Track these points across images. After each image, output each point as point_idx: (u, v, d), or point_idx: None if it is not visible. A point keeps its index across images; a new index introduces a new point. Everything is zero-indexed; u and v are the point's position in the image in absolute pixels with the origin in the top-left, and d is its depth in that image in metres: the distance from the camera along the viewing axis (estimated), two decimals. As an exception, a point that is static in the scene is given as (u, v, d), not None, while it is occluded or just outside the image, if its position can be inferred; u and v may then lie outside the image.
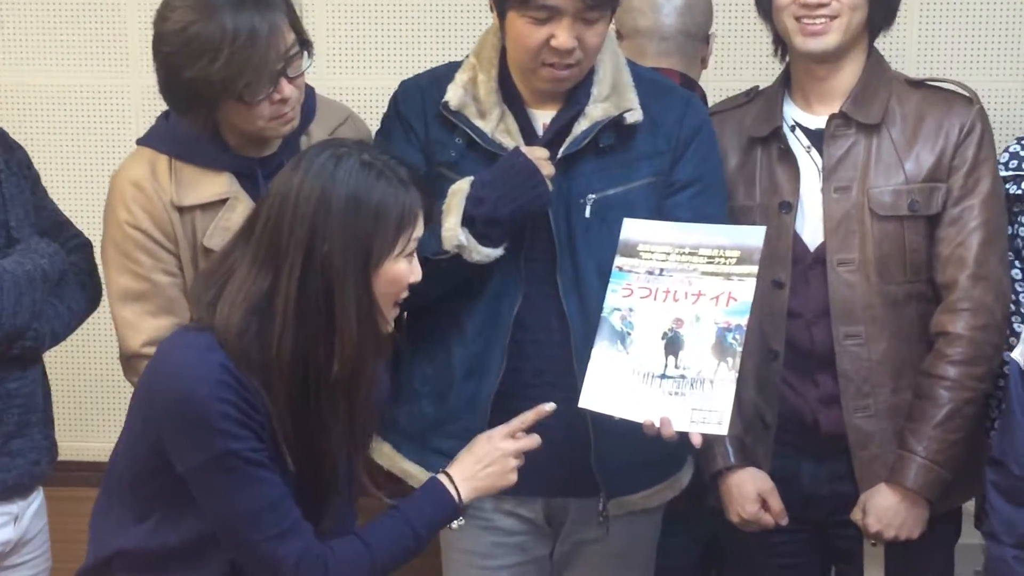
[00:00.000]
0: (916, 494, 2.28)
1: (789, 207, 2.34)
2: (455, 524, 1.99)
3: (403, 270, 1.87)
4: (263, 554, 1.81)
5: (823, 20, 2.23)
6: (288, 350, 1.79)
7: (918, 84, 2.37)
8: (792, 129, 2.36)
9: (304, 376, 1.81)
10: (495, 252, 2.18)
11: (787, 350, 2.35)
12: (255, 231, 1.84)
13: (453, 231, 2.13)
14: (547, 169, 2.16)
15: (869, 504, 2.30)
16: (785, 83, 2.42)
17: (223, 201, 2.20)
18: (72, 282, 2.35)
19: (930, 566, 2.41)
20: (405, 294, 1.89)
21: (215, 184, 2.21)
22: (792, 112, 2.39)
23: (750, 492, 2.37)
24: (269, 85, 2.08)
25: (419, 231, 1.87)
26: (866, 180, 2.31)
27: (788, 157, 2.36)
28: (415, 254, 1.89)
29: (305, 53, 2.17)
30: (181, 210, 2.22)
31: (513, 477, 2.00)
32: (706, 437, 2.11)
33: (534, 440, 2.00)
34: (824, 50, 2.27)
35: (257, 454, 1.78)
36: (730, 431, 2.16)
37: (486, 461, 1.99)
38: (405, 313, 2.19)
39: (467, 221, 2.13)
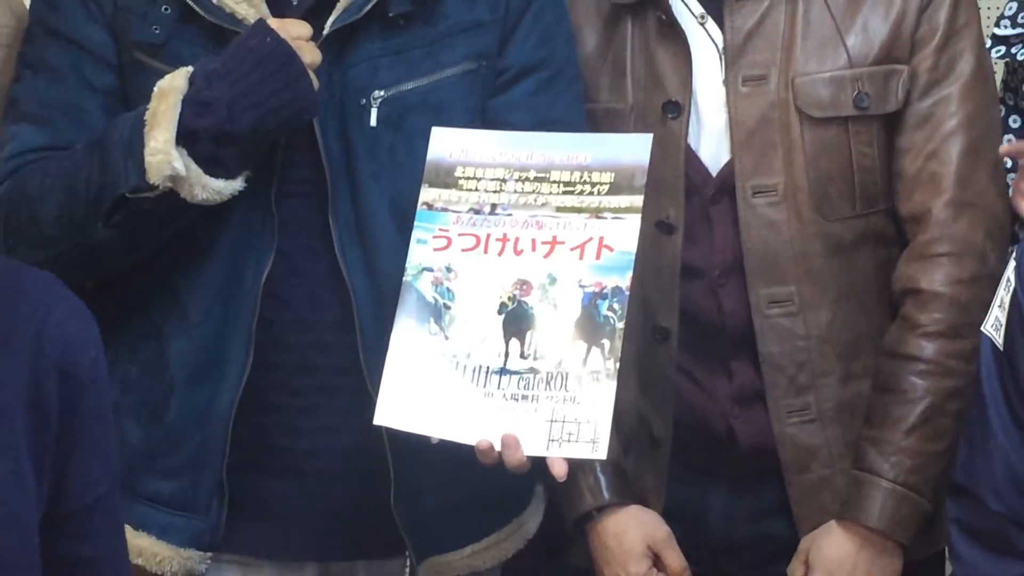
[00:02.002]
0: (883, 536, 1.94)
1: (678, 109, 2.00)
2: None
3: None
4: None
5: None
6: None
7: None
8: None
9: None
10: (231, 186, 1.83)
11: (683, 326, 2.02)
12: None
13: (163, 154, 1.76)
14: (310, 55, 1.81)
15: (815, 554, 1.97)
16: None
17: None
18: None
19: None
20: None
21: None
22: None
23: (635, 543, 2.03)
24: None
25: None
26: (790, 65, 1.98)
27: (673, 34, 2.01)
28: None
29: None
30: None
31: None
32: (573, 463, 1.78)
33: None
34: None
35: None
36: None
37: None
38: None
39: (186, 138, 1.78)
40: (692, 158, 2.00)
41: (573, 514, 2.05)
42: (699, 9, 2.01)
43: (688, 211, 2.00)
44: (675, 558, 2.01)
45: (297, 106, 1.82)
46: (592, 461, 1.87)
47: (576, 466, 1.86)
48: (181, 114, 1.77)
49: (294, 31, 1.81)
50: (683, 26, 1.99)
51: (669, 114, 2.00)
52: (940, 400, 1.95)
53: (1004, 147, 2.05)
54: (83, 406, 1.57)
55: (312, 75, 1.82)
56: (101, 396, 1.61)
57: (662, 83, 2.02)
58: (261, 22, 1.81)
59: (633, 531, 2.03)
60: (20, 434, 1.54)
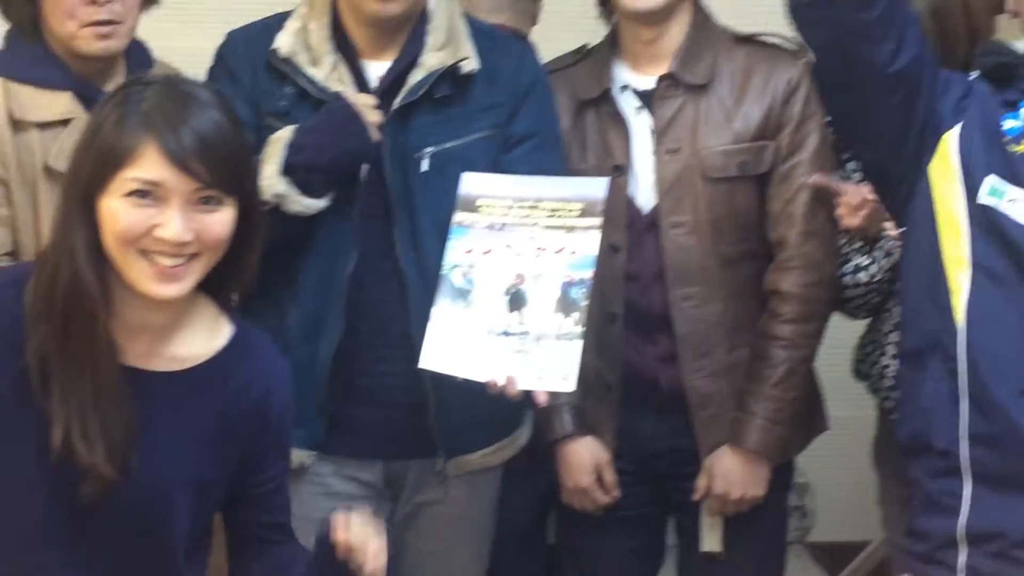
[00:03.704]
0: (757, 454, 2.37)
1: (622, 171, 2.37)
2: None
3: (114, 209, 1.78)
4: None
5: None
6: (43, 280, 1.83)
7: (745, 40, 2.41)
8: (622, 90, 2.41)
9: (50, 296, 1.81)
10: (317, 203, 2.17)
11: (626, 312, 2.40)
12: None
13: (271, 180, 2.12)
14: (372, 116, 2.16)
15: (714, 468, 2.39)
16: (613, 44, 2.45)
17: (65, 122, 2.23)
18: None
19: (765, 518, 2.54)
20: (163, 252, 1.80)
21: (56, 103, 2.25)
22: (622, 73, 2.42)
23: (586, 463, 2.45)
24: None
25: (141, 170, 1.78)
26: (696, 141, 2.35)
27: (619, 119, 2.39)
28: (148, 202, 1.79)
29: None
30: (16, 126, 2.26)
31: None
32: (551, 395, 2.15)
33: None
34: (649, 9, 2.30)
35: None
36: (569, 398, 2.27)
37: None
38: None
39: (288, 170, 2.13)
40: (631, 203, 2.36)
41: (548, 438, 2.45)
42: (637, 103, 2.37)
43: (629, 238, 2.36)
44: (610, 476, 2.43)
45: (359, 151, 2.16)
46: (563, 395, 2.20)
47: (551, 403, 2.23)
48: (284, 155, 2.11)
49: (362, 100, 2.15)
50: (625, 115, 2.37)
51: (616, 174, 2.33)
52: (795, 364, 2.35)
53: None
54: (272, 432, 1.96)
55: (374, 130, 2.13)
56: (284, 425, 1.98)
57: (612, 153, 2.38)
58: (338, 94, 2.15)
59: (586, 454, 2.44)
60: (230, 445, 1.93)
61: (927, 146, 2.00)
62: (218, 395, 1.92)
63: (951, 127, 2.00)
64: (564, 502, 2.57)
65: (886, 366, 2.55)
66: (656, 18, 2.33)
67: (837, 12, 1.90)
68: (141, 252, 1.79)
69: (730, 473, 2.38)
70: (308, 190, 2.15)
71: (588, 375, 2.35)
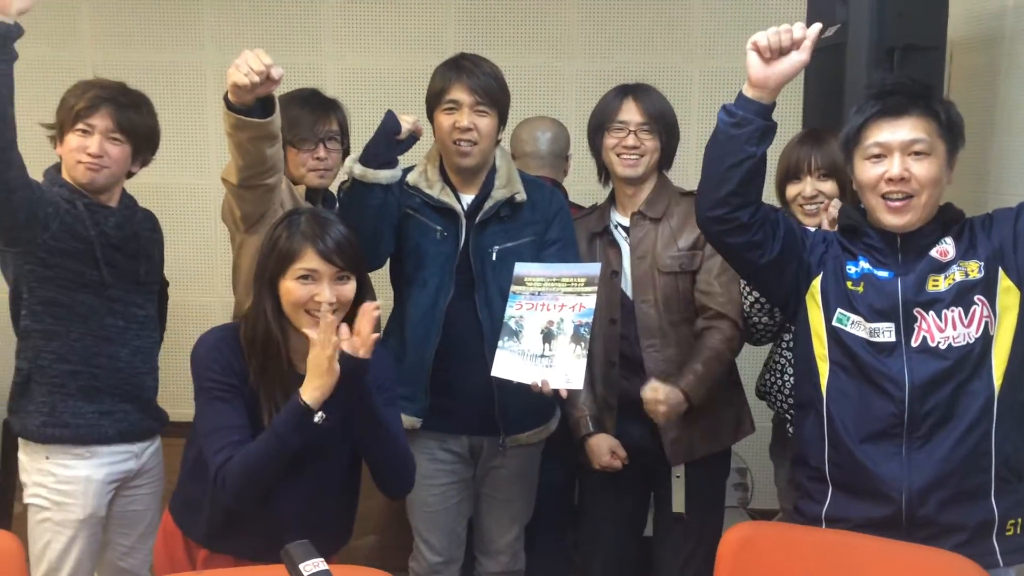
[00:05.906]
0: (685, 393, 3.06)
1: (616, 274, 3.19)
2: (316, 418, 2.37)
3: (289, 287, 2.36)
4: (207, 456, 2.46)
5: (635, 158, 3.14)
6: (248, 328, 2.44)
7: (687, 193, 3.14)
8: (615, 227, 3.24)
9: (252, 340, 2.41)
10: (377, 173, 2.92)
11: (620, 359, 3.19)
12: None
13: (351, 166, 2.97)
14: (407, 118, 2.98)
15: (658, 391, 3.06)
16: (611, 199, 3.30)
17: None
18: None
19: (712, 488, 3.31)
20: (318, 309, 2.33)
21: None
22: (615, 216, 3.25)
23: (605, 449, 3.18)
24: (312, 143, 3.07)
25: (305, 264, 2.36)
26: (655, 251, 3.16)
27: (615, 243, 3.21)
28: (309, 282, 2.33)
29: (342, 148, 3.18)
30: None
31: (330, 367, 2.32)
32: (570, 392, 2.92)
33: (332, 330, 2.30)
34: (632, 176, 3.15)
35: (222, 391, 2.38)
36: (588, 411, 3.05)
37: (311, 368, 2.37)
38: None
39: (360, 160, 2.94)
40: (623, 293, 3.11)
41: (577, 436, 3.13)
42: (624, 234, 3.11)
43: (622, 314, 3.11)
44: (622, 452, 3.12)
45: (389, 129, 2.86)
46: (579, 394, 2.94)
47: (579, 414, 3.00)
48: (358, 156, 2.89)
49: (405, 117, 2.86)
50: (619, 239, 3.15)
51: (613, 277, 3.10)
52: (714, 355, 3.01)
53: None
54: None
55: (406, 123, 2.84)
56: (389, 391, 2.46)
57: (610, 263, 3.12)
58: (390, 111, 2.86)
59: (603, 443, 3.13)
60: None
61: (803, 286, 2.68)
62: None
63: (817, 274, 2.65)
64: (585, 474, 3.28)
65: (784, 383, 3.16)
66: (636, 181, 3.16)
67: (725, 239, 2.62)
68: (307, 312, 2.38)
69: (666, 398, 3.03)
70: (367, 163, 2.90)
71: (600, 399, 3.17)
